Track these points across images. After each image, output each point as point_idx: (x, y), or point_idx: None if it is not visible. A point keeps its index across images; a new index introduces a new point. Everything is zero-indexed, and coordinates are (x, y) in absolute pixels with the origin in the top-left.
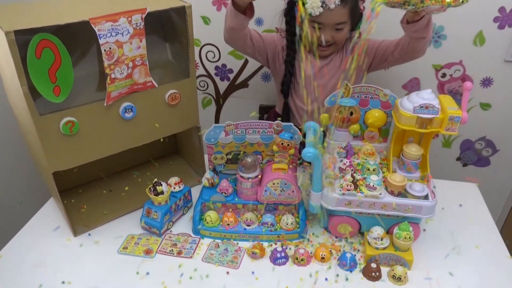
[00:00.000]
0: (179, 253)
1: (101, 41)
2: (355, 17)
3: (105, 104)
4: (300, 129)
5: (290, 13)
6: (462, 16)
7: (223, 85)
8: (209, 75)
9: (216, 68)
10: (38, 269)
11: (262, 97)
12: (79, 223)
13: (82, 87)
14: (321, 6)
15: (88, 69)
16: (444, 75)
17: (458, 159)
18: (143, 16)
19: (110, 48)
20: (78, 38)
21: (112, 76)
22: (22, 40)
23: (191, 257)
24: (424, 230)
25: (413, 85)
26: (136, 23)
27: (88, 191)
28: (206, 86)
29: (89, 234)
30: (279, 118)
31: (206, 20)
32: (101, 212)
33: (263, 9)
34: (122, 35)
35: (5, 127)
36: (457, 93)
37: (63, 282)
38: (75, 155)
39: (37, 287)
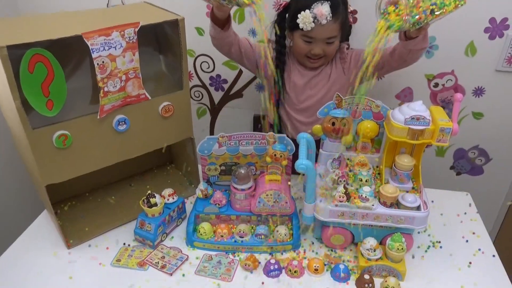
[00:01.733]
0: (163, 267)
1: (94, 55)
2: (345, 30)
3: (98, 117)
4: (294, 140)
5: (280, 24)
6: (453, 26)
7: (217, 95)
8: (203, 85)
9: (211, 78)
10: (31, 281)
11: (257, 106)
12: (73, 235)
13: (75, 100)
14: (313, 22)
15: (81, 82)
16: (436, 84)
17: (451, 167)
18: (136, 30)
19: (103, 62)
20: (70, 52)
21: (105, 89)
22: (14, 54)
23: (170, 274)
24: (418, 245)
25: (406, 95)
26: (129, 37)
27: (82, 202)
28: (201, 96)
29: (85, 246)
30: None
31: (200, 31)
32: (94, 223)
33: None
34: (115, 49)
35: None
36: (449, 103)
37: None
38: (69, 168)
39: None
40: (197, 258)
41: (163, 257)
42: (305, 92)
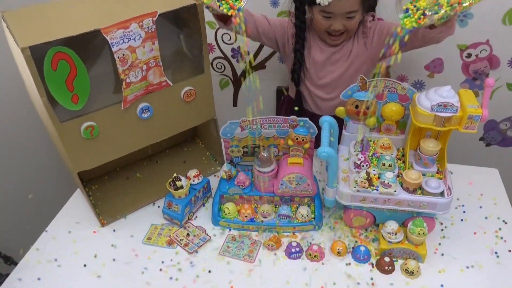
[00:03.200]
0: (186, 244)
1: (114, 49)
2: (367, 2)
3: (122, 108)
4: (314, 114)
5: (298, 1)
6: None
7: (239, 67)
8: (225, 57)
9: (233, 50)
10: (68, 258)
11: (280, 78)
12: (105, 213)
13: (99, 92)
14: None
15: (103, 74)
16: (469, 55)
17: (481, 139)
18: (154, 19)
19: (123, 55)
20: (91, 45)
21: (127, 80)
22: (37, 53)
23: (191, 252)
24: (441, 224)
25: (435, 66)
26: (148, 27)
27: (112, 179)
28: (223, 68)
29: (118, 224)
30: (296, 109)
31: None
32: (125, 201)
33: None
34: (135, 40)
35: (33, 119)
36: (482, 74)
37: (95, 272)
38: (97, 155)
39: (68, 277)
40: (220, 238)
41: (188, 235)
42: (325, 68)
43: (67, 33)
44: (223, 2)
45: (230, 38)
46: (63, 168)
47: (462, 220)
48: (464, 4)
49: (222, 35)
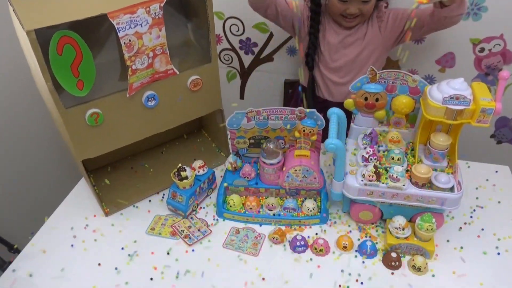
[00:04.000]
0: (186, 236)
1: (120, 34)
2: None
3: (127, 95)
4: (326, 101)
5: None
6: None
7: (247, 59)
8: (233, 49)
9: (241, 41)
10: (71, 246)
11: (287, 71)
12: (109, 204)
13: (105, 78)
14: None
15: (109, 60)
16: (482, 49)
17: (492, 136)
18: (161, 4)
19: (129, 40)
20: (97, 31)
21: (133, 67)
22: (43, 37)
23: (190, 244)
24: (453, 218)
25: (447, 60)
26: (155, 13)
27: (116, 169)
28: (231, 60)
29: (121, 214)
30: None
31: None
32: (129, 191)
33: None
34: (141, 26)
35: (38, 106)
36: (495, 69)
37: (97, 260)
38: (102, 143)
39: (70, 266)
40: (225, 233)
41: (190, 227)
42: (339, 51)
43: (73, 17)
44: None
45: (238, 29)
46: (68, 157)
47: (471, 217)
48: None
49: (230, 26)
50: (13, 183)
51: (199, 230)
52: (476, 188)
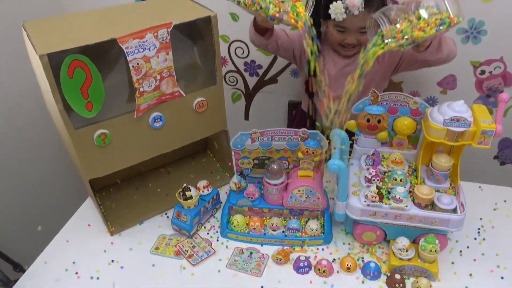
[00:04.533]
0: (190, 256)
1: (129, 58)
2: None
3: (135, 117)
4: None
5: (315, 10)
6: (504, 10)
7: (252, 81)
8: (238, 71)
9: (245, 64)
10: (76, 264)
11: (291, 92)
12: (115, 223)
13: (113, 100)
14: (345, 13)
15: (117, 82)
16: (483, 72)
17: (495, 157)
18: (169, 30)
19: (138, 64)
20: (106, 54)
21: (141, 89)
22: (55, 60)
23: (194, 264)
24: (457, 241)
25: (448, 82)
26: (162, 37)
27: (122, 189)
28: (236, 82)
29: (126, 233)
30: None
31: (234, 17)
32: (135, 211)
33: None
34: (149, 50)
35: (47, 126)
36: (496, 91)
37: (101, 280)
38: (109, 163)
39: (73, 285)
40: (228, 250)
41: (194, 247)
42: (338, 80)
43: (84, 42)
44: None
45: (243, 52)
46: (74, 176)
47: (475, 239)
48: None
49: (236, 49)
50: (20, 202)
51: (203, 250)
52: (483, 210)
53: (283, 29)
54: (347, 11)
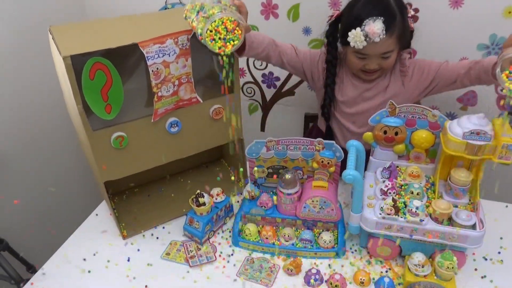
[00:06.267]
0: (191, 257)
1: (149, 63)
2: (405, 40)
3: (152, 121)
4: (343, 149)
5: (332, 34)
6: None
7: (269, 92)
8: (256, 82)
9: (263, 75)
10: (88, 267)
11: (308, 105)
12: (128, 227)
13: (131, 104)
14: (365, 40)
15: (136, 86)
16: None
17: None
18: (189, 36)
19: (157, 69)
20: (126, 57)
21: (159, 94)
22: (77, 63)
23: (192, 266)
24: (475, 260)
25: (469, 98)
26: (182, 44)
27: (137, 195)
28: (253, 93)
29: (139, 238)
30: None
31: (254, 29)
32: (147, 216)
33: (311, 17)
34: (169, 56)
35: (66, 130)
36: None
37: (112, 283)
38: (125, 166)
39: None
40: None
41: (199, 249)
42: (358, 104)
43: (107, 45)
44: (217, 40)
45: (261, 64)
46: (90, 180)
47: (491, 259)
48: None
49: (254, 61)
50: (36, 204)
51: (205, 255)
52: (506, 229)
53: (295, 47)
54: (367, 39)
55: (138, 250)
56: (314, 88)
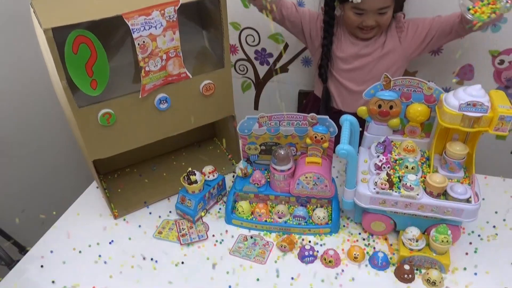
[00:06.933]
0: (183, 235)
1: (134, 36)
2: None
3: (140, 97)
4: (340, 111)
5: None
6: None
7: (262, 70)
8: (248, 59)
9: (256, 52)
10: (80, 247)
11: (302, 82)
12: (119, 206)
13: (118, 79)
14: None
15: (123, 62)
16: (502, 61)
17: None
18: (176, 8)
19: (143, 42)
20: (112, 32)
21: (147, 69)
22: (59, 36)
23: (183, 244)
24: (472, 232)
25: (466, 72)
26: (169, 16)
27: (127, 174)
28: (246, 70)
29: (130, 217)
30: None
31: (245, 3)
32: (139, 196)
33: None
34: (156, 28)
35: (54, 111)
36: None
37: (103, 262)
38: (113, 144)
39: (76, 268)
40: (232, 237)
41: (191, 228)
42: (356, 60)
43: (90, 17)
44: None
45: (254, 40)
46: (81, 161)
47: (486, 233)
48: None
49: (246, 37)
50: (28, 186)
51: (197, 234)
52: (501, 203)
53: (294, 4)
54: None
55: (130, 229)
56: (312, 48)
